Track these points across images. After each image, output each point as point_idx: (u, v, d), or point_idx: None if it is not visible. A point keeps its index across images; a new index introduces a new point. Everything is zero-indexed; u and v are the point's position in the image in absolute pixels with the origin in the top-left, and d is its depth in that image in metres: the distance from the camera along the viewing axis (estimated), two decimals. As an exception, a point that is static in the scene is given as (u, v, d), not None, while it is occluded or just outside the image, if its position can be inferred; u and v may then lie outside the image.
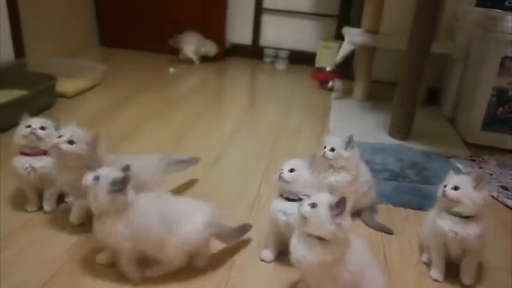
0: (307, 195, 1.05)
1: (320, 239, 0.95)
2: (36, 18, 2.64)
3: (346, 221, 0.95)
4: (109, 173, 1.03)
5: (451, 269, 1.23)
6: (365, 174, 1.44)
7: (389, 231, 1.41)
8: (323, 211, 0.94)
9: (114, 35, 3.44)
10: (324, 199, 0.96)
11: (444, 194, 1.13)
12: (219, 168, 1.77)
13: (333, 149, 1.35)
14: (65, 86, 2.33)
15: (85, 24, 3.31)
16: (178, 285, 1.10)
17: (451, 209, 1.14)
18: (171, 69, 3.06)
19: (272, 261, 1.24)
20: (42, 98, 2.14)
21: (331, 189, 1.32)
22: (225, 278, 1.15)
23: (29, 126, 1.28)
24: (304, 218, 0.96)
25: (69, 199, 1.40)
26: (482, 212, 1.15)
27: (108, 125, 2.05)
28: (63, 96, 2.31)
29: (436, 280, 1.22)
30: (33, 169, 1.28)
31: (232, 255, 1.25)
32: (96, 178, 1.02)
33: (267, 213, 1.24)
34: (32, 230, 1.28)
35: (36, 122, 1.29)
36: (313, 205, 0.95)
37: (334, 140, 1.37)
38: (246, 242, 1.30)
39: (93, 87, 2.52)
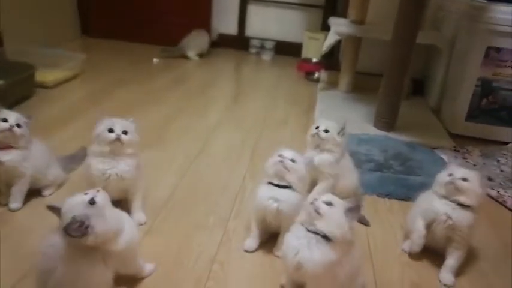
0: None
1: (325, 238, 0.92)
2: (15, 8, 2.56)
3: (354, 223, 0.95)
4: None
5: (434, 258, 1.23)
6: (346, 160, 1.43)
7: (366, 223, 1.40)
8: (339, 212, 0.93)
9: (98, 25, 3.36)
10: (338, 200, 0.95)
11: (454, 183, 1.16)
12: (203, 160, 1.74)
13: (326, 131, 1.35)
14: (45, 75, 2.26)
15: (66, 14, 3.22)
16: (160, 279, 1.08)
17: (452, 196, 1.18)
18: (155, 60, 3.00)
19: (255, 250, 1.22)
20: (21, 88, 2.07)
21: (313, 168, 1.33)
22: (207, 271, 1.13)
23: (5, 121, 1.23)
24: (318, 214, 0.92)
25: (45, 192, 1.36)
26: (479, 207, 1.19)
27: (88, 116, 1.99)
28: (42, 86, 2.24)
29: (413, 253, 1.23)
30: (0, 162, 1.24)
31: (214, 247, 1.22)
32: None
33: (253, 200, 1.22)
34: (5, 224, 1.24)
35: (12, 117, 1.25)
36: (329, 204, 0.93)
37: (329, 122, 1.38)
38: (228, 234, 1.28)
39: (73, 77, 2.45)
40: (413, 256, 1.26)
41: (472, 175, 1.18)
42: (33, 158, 1.30)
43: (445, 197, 1.19)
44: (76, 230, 0.84)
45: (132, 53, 3.13)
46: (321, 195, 0.96)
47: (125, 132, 1.20)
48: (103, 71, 2.69)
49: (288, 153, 1.17)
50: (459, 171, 1.19)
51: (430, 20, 2.57)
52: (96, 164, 1.20)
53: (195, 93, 2.53)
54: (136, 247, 1.00)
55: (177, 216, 1.35)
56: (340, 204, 0.94)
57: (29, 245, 1.14)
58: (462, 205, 1.17)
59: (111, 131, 1.19)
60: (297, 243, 0.93)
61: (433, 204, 1.20)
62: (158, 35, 3.27)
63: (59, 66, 2.39)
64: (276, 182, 1.17)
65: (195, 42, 3.14)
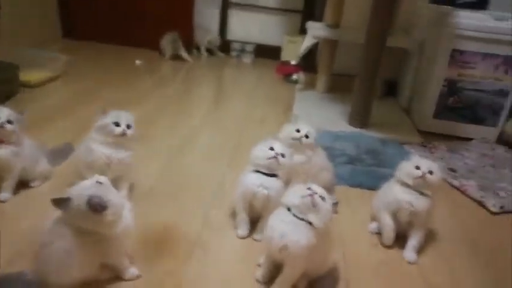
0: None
1: (310, 224, 1.00)
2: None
3: None
4: None
5: (399, 240, 1.34)
6: (319, 158, 1.53)
7: (335, 211, 1.49)
8: (329, 206, 1.02)
9: (80, 27, 3.40)
10: (327, 195, 1.05)
11: (424, 178, 1.26)
12: (186, 155, 1.81)
13: (307, 136, 1.45)
14: (29, 75, 2.30)
15: (47, 16, 3.26)
16: (144, 260, 1.15)
17: (419, 188, 1.28)
18: (137, 62, 3.06)
19: (247, 236, 1.30)
20: (5, 87, 2.11)
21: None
22: (190, 252, 1.21)
23: None
24: (314, 207, 1.00)
25: (34, 183, 1.42)
26: (435, 192, 1.31)
27: (72, 116, 2.05)
28: (26, 85, 2.28)
29: (386, 246, 1.33)
30: None
31: (196, 232, 1.30)
32: None
33: (239, 187, 1.29)
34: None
35: (4, 114, 1.29)
36: (323, 198, 1.02)
37: (309, 128, 1.47)
38: (210, 220, 1.36)
39: (56, 78, 2.50)
40: (380, 238, 1.37)
41: (435, 167, 1.28)
42: (24, 154, 1.35)
43: (408, 186, 1.30)
44: (98, 204, 0.91)
45: (114, 55, 3.19)
46: (316, 189, 1.04)
47: (128, 126, 1.28)
48: (85, 72, 2.74)
49: (278, 148, 1.26)
50: (424, 164, 1.28)
51: (402, 26, 2.72)
52: (101, 149, 1.27)
53: (178, 94, 2.60)
54: (130, 235, 1.04)
55: (161, 204, 1.43)
56: (328, 199, 1.04)
57: (17, 231, 1.20)
58: (422, 193, 1.29)
59: (117, 124, 1.27)
60: (284, 227, 1.01)
61: (396, 195, 1.30)
62: (139, 38, 3.34)
63: (42, 66, 2.43)
64: (264, 171, 1.26)
65: (168, 43, 3.24)
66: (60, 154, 1.61)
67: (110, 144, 1.29)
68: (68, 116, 2.03)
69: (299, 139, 1.45)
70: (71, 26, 3.42)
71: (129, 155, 1.33)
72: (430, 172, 1.27)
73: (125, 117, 1.29)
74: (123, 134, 1.27)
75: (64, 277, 0.97)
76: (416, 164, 1.29)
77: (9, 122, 1.29)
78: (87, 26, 3.39)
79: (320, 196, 1.09)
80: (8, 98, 2.11)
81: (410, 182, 1.29)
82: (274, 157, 1.24)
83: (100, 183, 0.96)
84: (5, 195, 1.34)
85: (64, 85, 2.49)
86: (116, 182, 1.33)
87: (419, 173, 1.27)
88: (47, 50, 2.87)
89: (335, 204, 1.06)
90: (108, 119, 1.28)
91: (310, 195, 1.02)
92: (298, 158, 1.44)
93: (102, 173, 1.01)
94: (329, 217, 1.02)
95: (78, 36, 3.40)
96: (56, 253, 0.95)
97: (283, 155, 1.26)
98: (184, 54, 3.27)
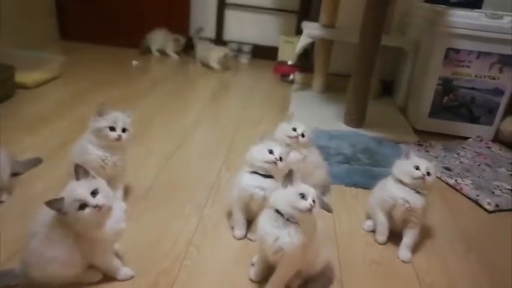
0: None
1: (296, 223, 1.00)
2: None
3: None
4: None
5: (394, 239, 1.35)
6: (313, 156, 1.54)
7: (329, 210, 1.50)
8: (319, 208, 1.02)
9: (76, 29, 3.41)
10: (317, 196, 1.03)
11: (424, 180, 1.26)
12: (181, 155, 1.82)
13: (303, 135, 1.46)
14: (25, 76, 2.30)
15: (44, 17, 3.26)
16: (138, 260, 1.14)
17: (417, 188, 1.28)
18: (134, 62, 3.07)
19: (244, 237, 1.30)
20: (1, 88, 2.11)
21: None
22: (183, 252, 1.21)
23: None
24: (309, 211, 0.99)
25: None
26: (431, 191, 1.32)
27: (68, 116, 2.05)
28: (23, 87, 2.28)
29: (380, 243, 1.34)
30: None
31: (190, 232, 1.30)
32: None
33: (235, 188, 1.29)
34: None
35: None
36: (314, 201, 1.01)
37: (305, 127, 1.48)
38: (204, 221, 1.37)
39: (53, 79, 2.50)
40: (375, 236, 1.37)
41: (432, 167, 1.29)
42: None
43: (405, 184, 1.30)
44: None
45: (111, 56, 3.19)
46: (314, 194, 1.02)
47: (124, 130, 1.27)
48: (82, 73, 2.74)
49: (277, 151, 1.25)
50: (423, 164, 1.28)
51: (397, 25, 2.73)
52: (96, 151, 1.27)
53: (174, 94, 2.61)
54: (120, 236, 1.03)
55: (156, 205, 1.43)
56: (318, 200, 1.02)
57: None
58: (418, 191, 1.29)
59: (112, 129, 1.26)
60: (276, 231, 1.00)
61: (391, 191, 1.31)
62: (136, 39, 3.33)
63: (39, 68, 2.43)
64: (261, 172, 1.25)
65: (155, 38, 3.29)
66: (24, 166, 1.54)
67: (105, 147, 1.28)
68: (65, 117, 2.03)
69: (296, 138, 1.45)
70: (68, 28, 3.43)
71: (123, 157, 1.33)
72: (428, 173, 1.27)
73: (121, 120, 1.27)
74: (119, 139, 1.27)
75: (44, 271, 0.97)
76: (416, 164, 1.28)
77: None
78: (84, 28, 3.39)
79: (280, 158, 1.20)
80: (4, 99, 2.11)
81: (408, 181, 1.29)
82: (274, 162, 1.23)
83: (94, 177, 0.97)
84: None
85: (60, 86, 2.49)
86: (110, 183, 1.33)
87: (419, 173, 1.27)
88: (43, 51, 2.87)
89: (324, 203, 1.04)
90: (104, 123, 1.26)
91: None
92: (293, 156, 1.45)
93: (96, 174, 1.01)
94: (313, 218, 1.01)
95: (75, 38, 3.40)
96: (38, 244, 0.96)
97: (281, 159, 1.25)
98: (170, 52, 3.31)
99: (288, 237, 0.99)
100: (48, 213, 0.96)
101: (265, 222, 1.04)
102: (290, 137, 1.47)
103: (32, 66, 2.38)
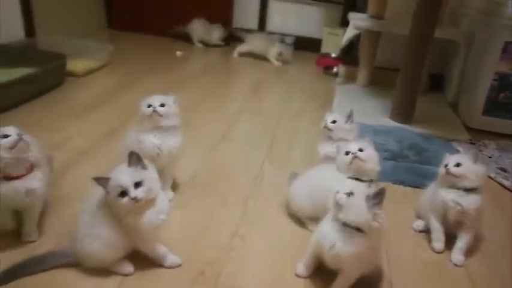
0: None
1: (358, 230, 0.95)
2: (46, 1, 2.68)
3: (382, 212, 0.96)
4: None
5: (447, 242, 1.29)
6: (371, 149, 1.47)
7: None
8: (359, 200, 0.95)
9: (121, 18, 3.48)
10: (361, 189, 0.98)
11: (449, 172, 1.21)
12: (225, 146, 1.82)
13: (334, 121, 1.40)
14: (75, 65, 2.37)
15: (93, 6, 3.35)
16: (185, 248, 1.15)
17: (456, 185, 1.22)
18: (178, 53, 3.10)
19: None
20: (52, 76, 2.18)
21: (327, 159, 1.37)
22: (229, 242, 1.21)
23: None
24: (339, 205, 0.96)
25: None
26: (483, 186, 1.23)
27: (117, 103, 2.10)
28: (73, 75, 2.35)
29: (437, 251, 1.27)
30: None
31: (235, 223, 1.30)
32: None
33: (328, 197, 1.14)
34: None
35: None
36: (350, 194, 0.96)
37: (335, 114, 1.43)
38: (248, 212, 1.36)
39: (101, 67, 2.57)
40: (425, 237, 1.31)
41: (464, 158, 1.22)
42: None
43: (450, 187, 1.23)
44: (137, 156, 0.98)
45: (156, 46, 3.24)
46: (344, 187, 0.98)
47: (162, 105, 1.27)
48: (130, 61, 2.80)
49: (354, 147, 1.22)
50: (452, 159, 1.23)
51: (449, 16, 2.59)
52: (151, 139, 1.28)
53: (218, 83, 2.63)
54: (160, 227, 1.03)
55: (201, 194, 1.44)
56: (360, 193, 0.96)
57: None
58: (467, 190, 1.21)
59: (149, 106, 1.27)
60: (334, 236, 0.98)
61: (441, 196, 1.24)
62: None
63: (89, 56, 2.50)
64: (351, 175, 1.21)
65: (196, 29, 3.31)
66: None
67: (158, 133, 1.28)
68: (113, 103, 2.09)
69: (325, 125, 1.41)
70: (115, 17, 3.50)
71: (178, 142, 1.33)
72: (458, 164, 1.20)
73: (157, 98, 1.28)
74: (154, 112, 1.26)
75: (90, 247, 1.00)
76: (446, 161, 1.24)
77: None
78: (131, 17, 3.45)
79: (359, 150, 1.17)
80: (56, 87, 2.19)
81: (443, 182, 1.25)
82: (355, 157, 1.20)
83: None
84: None
85: (109, 74, 2.56)
86: (162, 173, 1.34)
87: (444, 170, 1.22)
88: (92, 40, 2.95)
89: (375, 195, 0.95)
90: (143, 104, 1.28)
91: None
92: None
93: (152, 162, 1.02)
94: (362, 212, 0.94)
95: (122, 27, 3.47)
96: (86, 220, 1.01)
97: (361, 150, 1.21)
98: (216, 41, 3.33)
99: (342, 245, 0.96)
100: (97, 194, 1.00)
101: (327, 225, 1.00)
102: (322, 128, 1.42)
103: (82, 54, 2.46)
